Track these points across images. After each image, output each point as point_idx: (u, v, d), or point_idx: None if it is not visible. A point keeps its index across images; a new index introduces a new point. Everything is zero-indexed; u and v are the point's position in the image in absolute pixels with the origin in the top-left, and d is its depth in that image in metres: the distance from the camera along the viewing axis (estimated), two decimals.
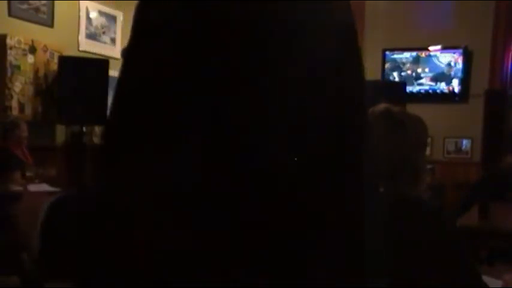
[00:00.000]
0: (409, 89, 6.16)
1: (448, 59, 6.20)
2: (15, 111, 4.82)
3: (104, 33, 5.94)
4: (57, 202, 0.57)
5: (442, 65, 6.23)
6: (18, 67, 4.82)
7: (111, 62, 5.19)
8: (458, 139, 6.19)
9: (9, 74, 4.74)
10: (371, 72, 6.23)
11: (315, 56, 0.46)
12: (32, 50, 4.95)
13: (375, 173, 0.51)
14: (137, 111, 0.47)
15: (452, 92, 6.21)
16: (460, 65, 6.15)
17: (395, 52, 6.39)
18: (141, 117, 0.46)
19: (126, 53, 0.50)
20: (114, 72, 5.06)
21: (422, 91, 6.34)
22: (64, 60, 4.95)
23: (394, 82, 6.20)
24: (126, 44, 0.51)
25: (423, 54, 6.30)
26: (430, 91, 6.31)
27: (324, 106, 0.46)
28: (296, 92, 0.45)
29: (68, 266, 0.53)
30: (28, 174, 4.25)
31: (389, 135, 1.33)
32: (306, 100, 0.45)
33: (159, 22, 0.47)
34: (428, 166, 4.06)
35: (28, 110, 4.96)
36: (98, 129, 5.62)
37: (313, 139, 0.45)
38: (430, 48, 6.23)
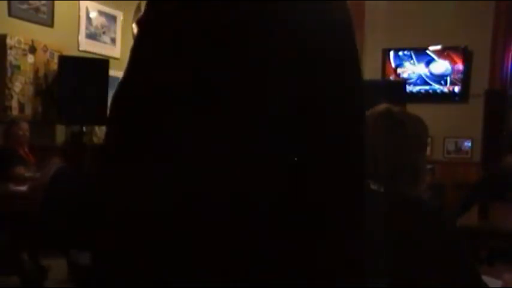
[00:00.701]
0: (409, 89, 6.16)
1: (448, 59, 6.21)
2: (15, 111, 4.82)
3: (104, 33, 5.94)
4: (62, 169, 0.61)
5: (442, 65, 6.23)
6: (18, 67, 4.82)
7: (111, 62, 5.19)
8: (458, 139, 6.19)
9: (9, 74, 4.74)
10: (371, 72, 6.23)
11: (313, 55, 0.46)
12: (32, 50, 4.95)
13: (367, 172, 0.52)
14: (137, 111, 0.47)
15: (452, 92, 6.21)
16: (460, 65, 6.15)
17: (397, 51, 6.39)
18: (141, 117, 0.46)
19: (131, 54, 0.50)
20: (114, 72, 5.06)
21: (422, 91, 6.34)
22: (64, 60, 4.95)
23: (394, 82, 6.20)
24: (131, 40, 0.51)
25: (423, 54, 6.30)
26: (430, 91, 6.31)
27: (323, 106, 0.46)
28: (295, 91, 0.45)
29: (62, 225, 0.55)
30: (28, 174, 4.25)
31: (389, 135, 1.33)
32: (305, 99, 0.45)
33: (164, 23, 0.47)
34: (428, 166, 4.06)
35: (28, 110, 4.96)
36: (97, 129, 5.62)
37: (312, 138, 0.45)
38: (430, 48, 6.23)
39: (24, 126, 4.45)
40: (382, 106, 1.40)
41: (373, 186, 1.09)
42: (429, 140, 5.27)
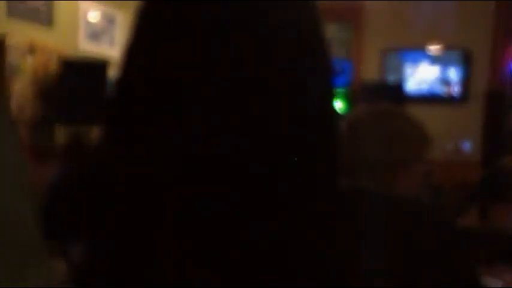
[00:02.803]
0: (408, 89, 6.15)
1: (448, 59, 6.20)
2: (14, 112, 4.82)
3: (103, 33, 5.94)
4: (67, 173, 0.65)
5: (442, 65, 6.23)
6: (18, 67, 4.82)
7: (111, 62, 5.18)
8: (457, 139, 6.19)
9: (8, 74, 4.74)
10: (370, 73, 6.23)
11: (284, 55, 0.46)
12: (31, 50, 4.94)
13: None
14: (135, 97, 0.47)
15: (452, 93, 6.21)
16: (459, 65, 6.14)
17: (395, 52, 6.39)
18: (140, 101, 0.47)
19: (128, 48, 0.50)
20: (113, 72, 5.06)
21: (422, 91, 6.33)
22: (63, 61, 4.95)
23: (393, 82, 6.19)
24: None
25: (423, 54, 6.29)
26: (430, 92, 6.31)
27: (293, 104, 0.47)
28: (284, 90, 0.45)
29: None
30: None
31: (388, 135, 1.33)
32: (287, 97, 0.46)
33: (161, 22, 0.47)
34: (428, 166, 4.05)
35: (27, 111, 4.95)
36: (97, 131, 5.62)
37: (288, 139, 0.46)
38: (430, 48, 6.23)
39: (26, 127, 4.47)
40: (381, 107, 1.40)
41: (368, 187, 1.09)
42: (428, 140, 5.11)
